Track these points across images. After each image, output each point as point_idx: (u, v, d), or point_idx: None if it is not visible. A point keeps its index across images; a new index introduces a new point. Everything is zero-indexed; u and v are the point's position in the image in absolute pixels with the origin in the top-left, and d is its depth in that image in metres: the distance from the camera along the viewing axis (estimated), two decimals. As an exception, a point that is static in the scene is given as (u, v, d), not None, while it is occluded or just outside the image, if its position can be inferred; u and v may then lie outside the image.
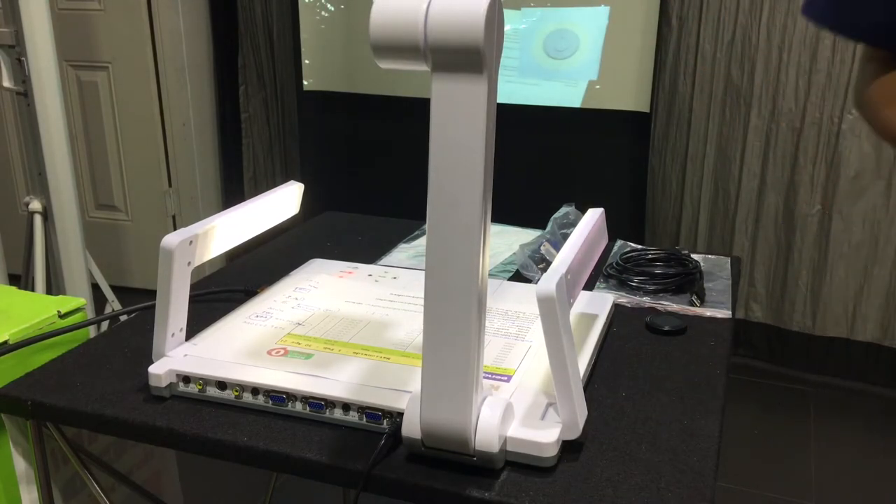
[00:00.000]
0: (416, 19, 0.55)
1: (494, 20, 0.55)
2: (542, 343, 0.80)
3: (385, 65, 0.58)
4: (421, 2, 0.55)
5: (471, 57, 0.55)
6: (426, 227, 0.60)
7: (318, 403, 0.71)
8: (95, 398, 0.75)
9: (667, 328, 0.89)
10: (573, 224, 1.12)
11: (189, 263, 0.76)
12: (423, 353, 0.62)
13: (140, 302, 0.94)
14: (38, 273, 1.93)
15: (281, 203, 0.94)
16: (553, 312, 0.61)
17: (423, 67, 0.57)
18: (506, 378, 0.74)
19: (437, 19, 0.54)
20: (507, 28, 2.42)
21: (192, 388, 0.75)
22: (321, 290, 0.95)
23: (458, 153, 0.57)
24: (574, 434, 0.65)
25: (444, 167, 0.58)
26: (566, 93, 2.45)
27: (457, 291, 0.60)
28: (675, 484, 0.63)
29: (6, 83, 1.87)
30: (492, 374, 0.74)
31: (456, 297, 0.60)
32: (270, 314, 0.88)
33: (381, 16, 0.56)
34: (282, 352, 0.79)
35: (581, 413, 0.66)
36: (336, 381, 0.72)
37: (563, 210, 1.13)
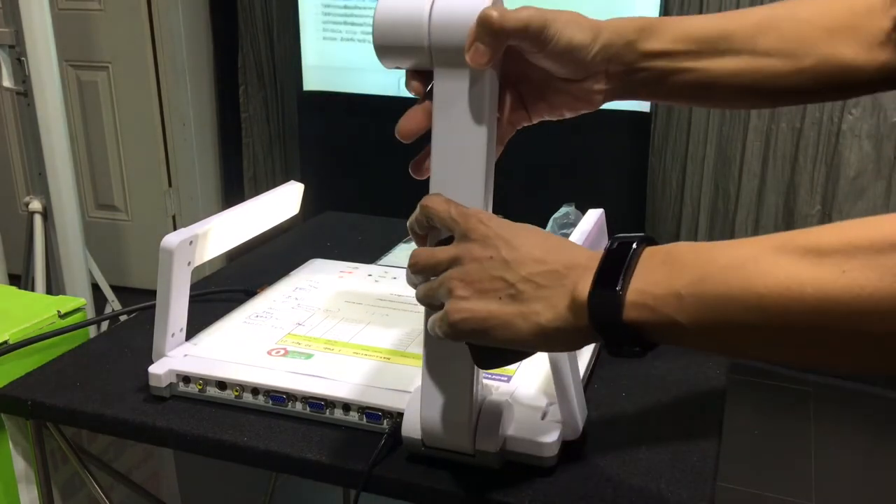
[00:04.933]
0: (419, 20, 0.55)
1: None
2: (542, 343, 0.80)
3: (389, 65, 0.58)
4: (424, 3, 0.55)
5: None
6: None
7: (318, 403, 0.71)
8: (95, 398, 0.75)
9: (667, 328, 0.89)
10: (573, 224, 1.11)
11: (189, 263, 0.76)
12: (423, 352, 0.62)
13: (140, 302, 0.94)
14: (38, 273, 1.93)
15: (281, 203, 0.94)
16: None
17: (426, 67, 0.57)
18: (506, 378, 0.74)
19: (440, 18, 0.55)
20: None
21: (193, 388, 0.75)
22: (321, 290, 0.95)
23: (460, 152, 0.58)
24: (574, 434, 0.65)
25: (445, 166, 0.58)
26: (566, 93, 2.45)
27: None
28: (675, 484, 0.63)
29: (6, 83, 1.87)
30: (492, 374, 0.74)
31: None
32: (270, 314, 0.88)
33: (385, 17, 0.56)
34: (282, 352, 0.79)
35: (581, 413, 0.66)
36: (336, 381, 0.72)
37: (563, 210, 1.13)
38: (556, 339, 0.51)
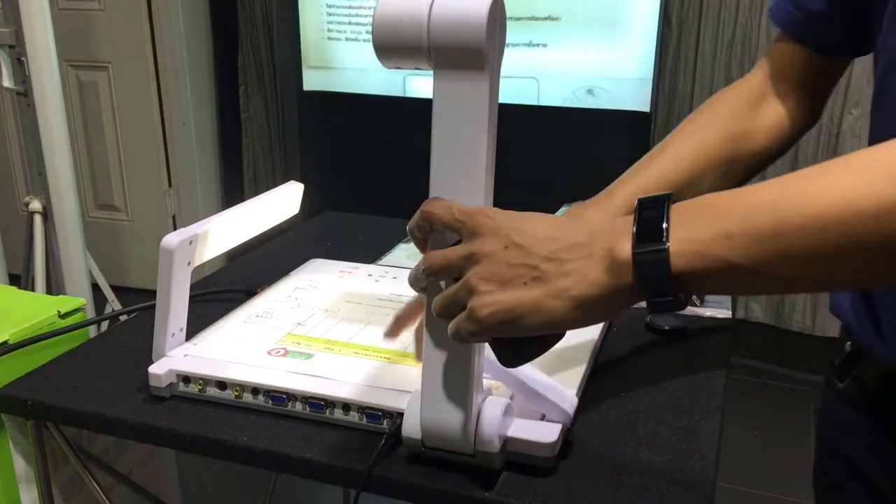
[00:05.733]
0: (418, 20, 0.55)
1: (497, 19, 0.56)
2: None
3: (389, 65, 0.59)
4: (423, 3, 0.55)
5: (473, 56, 0.55)
6: None
7: (318, 403, 0.71)
8: (95, 398, 0.75)
9: (667, 328, 0.89)
10: (573, 224, 1.11)
11: (189, 263, 0.76)
12: (423, 352, 0.62)
13: (140, 302, 0.94)
14: (38, 273, 1.93)
15: (281, 203, 0.94)
16: None
17: (426, 67, 0.57)
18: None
19: (439, 19, 0.55)
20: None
21: (193, 388, 0.75)
22: (321, 290, 0.95)
23: (460, 152, 0.58)
24: (567, 421, 0.65)
25: (445, 166, 0.58)
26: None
27: None
28: (675, 484, 0.63)
29: (6, 83, 1.87)
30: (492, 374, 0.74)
31: None
32: (270, 314, 0.88)
33: (384, 17, 0.56)
34: (282, 351, 0.79)
35: (562, 401, 0.65)
36: (336, 381, 0.72)
37: (563, 210, 1.13)
38: (595, 309, 0.50)
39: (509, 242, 0.52)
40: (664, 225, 0.48)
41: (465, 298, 0.53)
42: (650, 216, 0.49)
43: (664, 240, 0.47)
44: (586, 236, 0.51)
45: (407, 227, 0.59)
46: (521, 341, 0.54)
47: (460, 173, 0.58)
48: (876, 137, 0.67)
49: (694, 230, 0.47)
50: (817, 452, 0.83)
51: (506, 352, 0.56)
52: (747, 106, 0.80)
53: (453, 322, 0.54)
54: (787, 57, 0.79)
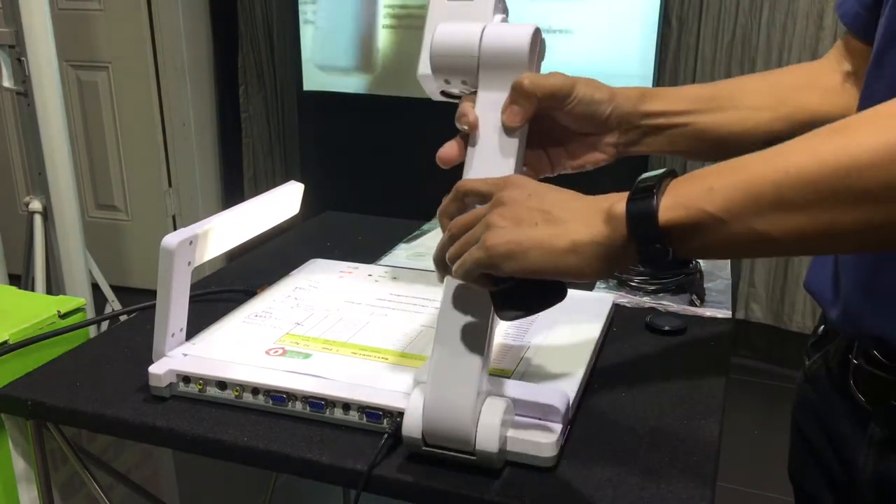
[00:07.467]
0: (471, 43, 0.66)
1: (537, 44, 0.67)
2: (541, 343, 0.80)
3: (438, 77, 0.68)
4: (476, 28, 0.66)
5: (515, 76, 0.65)
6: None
7: (319, 403, 0.71)
8: (95, 398, 0.75)
9: (667, 328, 0.89)
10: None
11: (189, 263, 0.76)
12: (432, 350, 0.62)
13: (140, 302, 0.94)
14: (38, 273, 1.93)
15: (281, 203, 0.94)
16: None
17: (472, 85, 0.67)
18: (504, 379, 0.73)
19: (489, 44, 0.65)
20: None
21: (192, 388, 0.75)
22: (321, 290, 0.95)
23: (495, 154, 0.66)
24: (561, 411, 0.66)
25: (481, 164, 0.65)
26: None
27: (475, 290, 0.61)
28: (675, 484, 0.63)
29: (6, 83, 1.87)
30: (490, 374, 0.74)
31: (473, 295, 0.62)
32: (270, 314, 0.88)
33: (443, 38, 0.67)
34: (280, 351, 0.79)
35: (552, 398, 0.66)
36: (336, 380, 0.72)
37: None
38: (590, 255, 0.55)
39: (534, 192, 0.58)
40: (655, 188, 0.54)
41: (480, 232, 0.58)
42: (646, 182, 0.55)
43: (655, 191, 0.53)
44: (602, 200, 0.57)
45: (438, 212, 0.63)
46: (520, 291, 0.58)
47: (494, 167, 0.65)
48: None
49: (683, 191, 0.53)
50: (791, 442, 0.84)
51: (505, 301, 0.59)
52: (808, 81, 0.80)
53: (463, 256, 0.58)
54: (853, 54, 0.77)
